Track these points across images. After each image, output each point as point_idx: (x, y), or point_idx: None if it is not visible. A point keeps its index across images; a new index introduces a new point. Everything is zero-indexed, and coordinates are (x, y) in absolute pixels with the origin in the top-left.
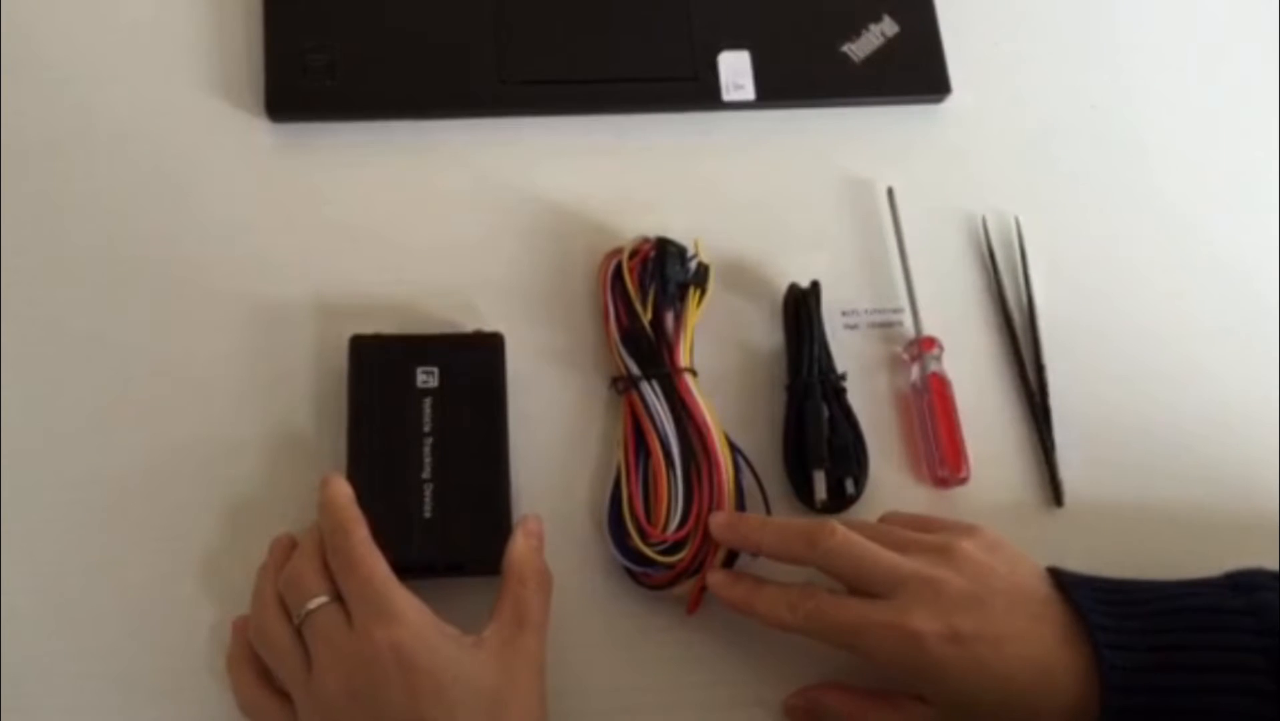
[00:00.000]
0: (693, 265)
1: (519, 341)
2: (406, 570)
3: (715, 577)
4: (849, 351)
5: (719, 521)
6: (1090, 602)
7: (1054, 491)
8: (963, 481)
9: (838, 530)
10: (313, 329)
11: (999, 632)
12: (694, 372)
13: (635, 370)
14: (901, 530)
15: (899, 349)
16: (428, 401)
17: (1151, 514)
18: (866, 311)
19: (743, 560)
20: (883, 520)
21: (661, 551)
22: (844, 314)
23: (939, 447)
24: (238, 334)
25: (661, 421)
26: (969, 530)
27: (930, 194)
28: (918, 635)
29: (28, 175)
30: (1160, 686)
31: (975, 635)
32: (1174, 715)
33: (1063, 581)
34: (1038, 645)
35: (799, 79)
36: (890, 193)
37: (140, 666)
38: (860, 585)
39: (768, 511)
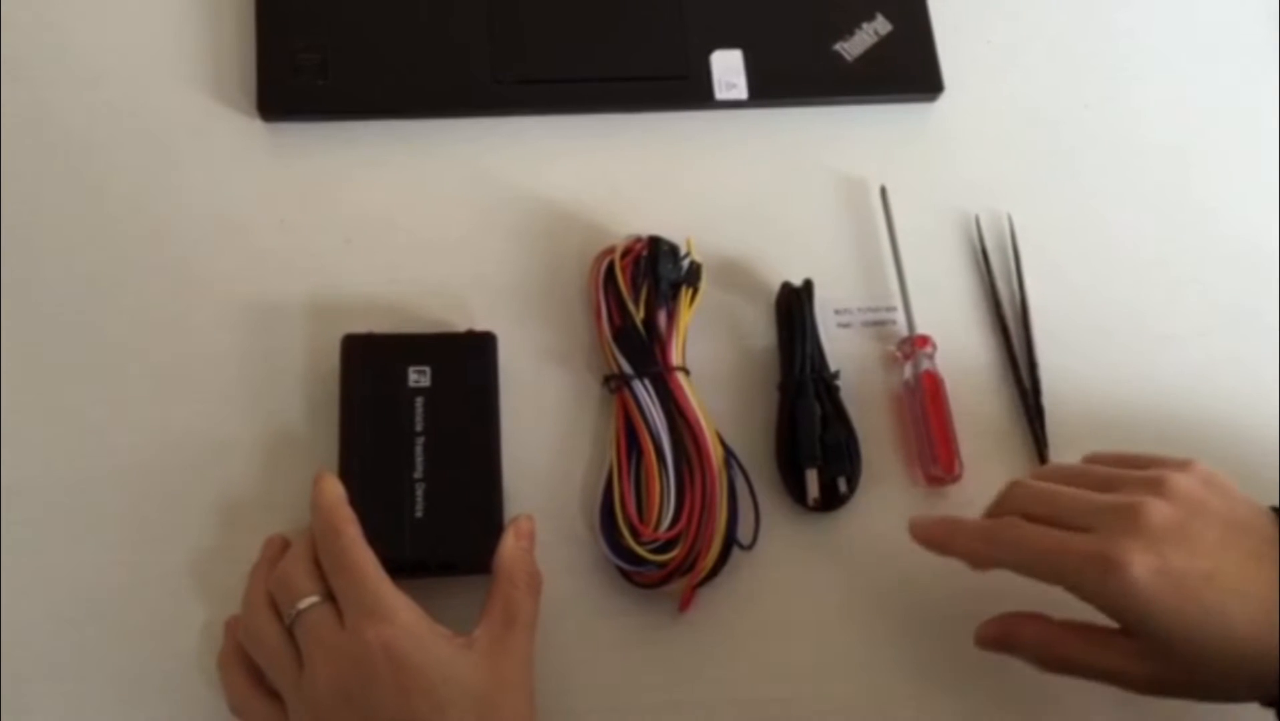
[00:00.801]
0: (685, 264)
1: (511, 340)
2: (398, 569)
3: (915, 519)
4: (842, 350)
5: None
6: None
7: None
8: (956, 479)
9: (1016, 523)
10: (305, 328)
11: (1213, 567)
12: (686, 371)
13: (628, 369)
14: (1108, 468)
15: (892, 347)
16: (420, 400)
17: None
18: (859, 310)
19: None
20: (1087, 460)
21: (653, 550)
22: (837, 312)
23: (932, 446)
24: (230, 333)
25: (654, 420)
26: (1182, 464)
27: (923, 192)
28: (1122, 564)
29: (19, 175)
30: None
31: (1185, 568)
32: None
33: None
34: (1258, 584)
35: (792, 78)
36: (883, 191)
37: (132, 665)
38: (1061, 526)
39: (756, 510)
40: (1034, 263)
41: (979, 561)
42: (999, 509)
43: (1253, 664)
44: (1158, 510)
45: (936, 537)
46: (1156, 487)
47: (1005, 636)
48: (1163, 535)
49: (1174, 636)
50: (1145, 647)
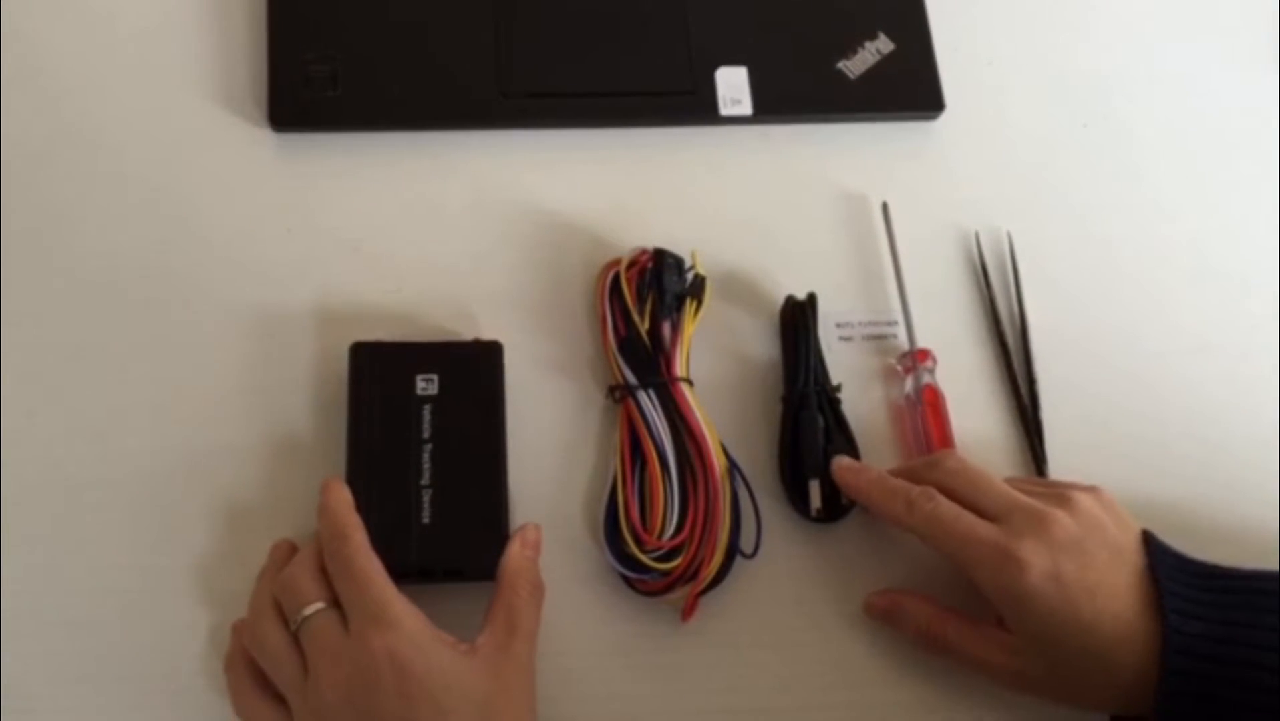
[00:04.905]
0: (690, 276)
1: (517, 350)
2: (404, 575)
3: (841, 462)
4: (844, 363)
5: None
6: (1170, 570)
7: None
8: None
9: (936, 497)
10: (314, 336)
11: (1096, 582)
12: (690, 382)
13: (632, 379)
14: (1024, 481)
15: (893, 361)
16: (427, 408)
17: (1143, 525)
18: (861, 324)
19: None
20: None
21: (657, 558)
22: (839, 326)
23: None
24: (240, 341)
25: (658, 430)
26: (1089, 488)
27: (924, 209)
28: (1022, 563)
29: (30, 183)
30: (1221, 657)
31: (1075, 580)
32: (1232, 686)
33: (1151, 549)
34: (1125, 604)
35: (795, 95)
36: (885, 207)
37: (138, 670)
38: (973, 510)
39: (758, 520)
40: (1033, 279)
41: (894, 520)
42: (925, 465)
43: (1107, 678)
44: (1062, 522)
45: (860, 487)
46: (1064, 503)
47: (892, 608)
48: (1061, 545)
49: (1046, 636)
50: (1017, 643)
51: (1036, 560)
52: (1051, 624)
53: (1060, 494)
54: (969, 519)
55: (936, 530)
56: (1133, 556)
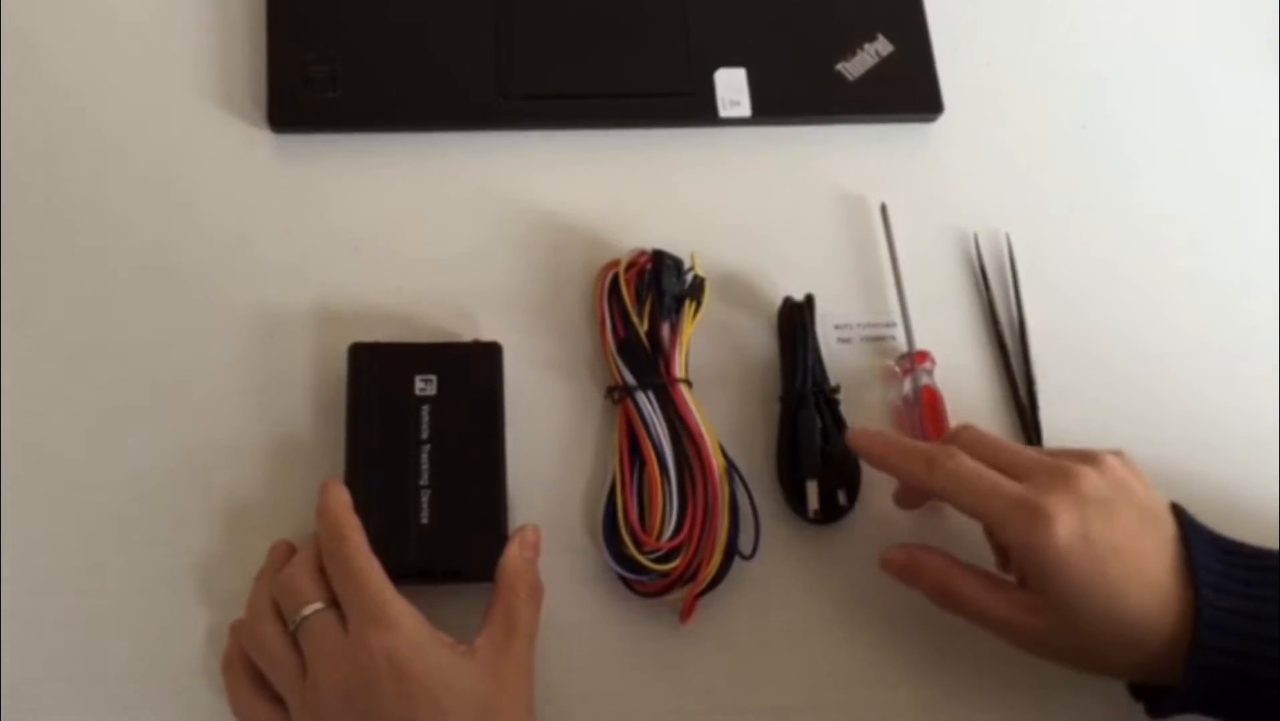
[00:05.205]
0: (689, 277)
1: (516, 351)
2: (402, 576)
3: (854, 430)
4: (842, 364)
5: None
6: (1203, 544)
7: None
8: None
9: (958, 454)
10: (313, 337)
11: (1125, 544)
12: (689, 383)
13: (631, 380)
14: (1045, 449)
15: (891, 362)
16: (426, 409)
17: None
18: (859, 325)
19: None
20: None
21: (655, 559)
22: (837, 327)
23: None
24: (238, 341)
25: (656, 431)
26: (1115, 451)
27: (922, 210)
28: (1050, 517)
29: (29, 183)
30: (1252, 633)
31: (1102, 538)
32: (1261, 663)
33: (1183, 520)
34: (1155, 569)
35: (794, 96)
36: (883, 208)
37: (137, 670)
38: (1000, 471)
39: (756, 521)
40: (1032, 280)
41: (915, 480)
42: (942, 441)
43: (1131, 644)
44: (1090, 478)
45: (876, 452)
46: (1093, 461)
47: (910, 564)
48: (1090, 501)
49: (1070, 596)
50: (1040, 602)
51: (1064, 514)
52: (1077, 582)
53: (1088, 454)
54: (993, 475)
55: (960, 486)
56: (1162, 522)
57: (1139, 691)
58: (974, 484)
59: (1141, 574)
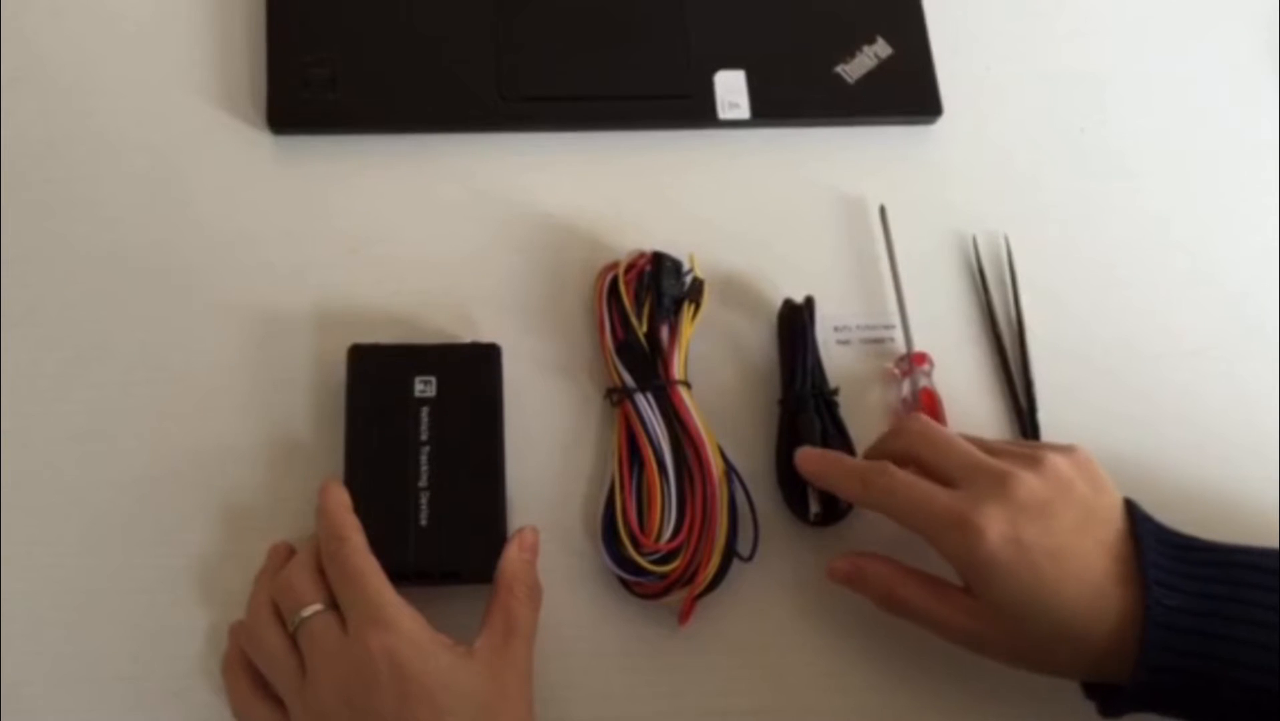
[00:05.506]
0: (688, 279)
1: (515, 352)
2: (402, 577)
3: (801, 452)
4: (841, 366)
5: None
6: (1151, 540)
7: None
8: None
9: (889, 470)
10: (312, 338)
11: (1061, 546)
12: (688, 385)
13: (630, 382)
14: (998, 440)
15: (890, 364)
16: (425, 410)
17: None
18: (858, 327)
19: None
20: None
21: (654, 561)
22: (836, 329)
23: None
24: (238, 343)
25: (655, 433)
26: (1064, 447)
27: (921, 213)
28: (979, 528)
29: (29, 184)
30: (1202, 631)
31: (1037, 543)
32: (1211, 661)
33: (1134, 516)
34: (1096, 570)
35: (793, 98)
36: (882, 211)
37: (136, 670)
38: (937, 475)
39: (755, 523)
40: (1030, 282)
41: (853, 498)
42: (892, 434)
43: (1075, 644)
44: (1026, 483)
45: (815, 471)
46: (1032, 463)
47: (854, 572)
48: (1023, 508)
49: (1006, 602)
50: (979, 607)
51: (994, 524)
52: (1013, 587)
53: (1030, 454)
54: (924, 487)
55: (892, 503)
56: (1108, 520)
57: (1091, 690)
58: (904, 498)
59: (1080, 574)
